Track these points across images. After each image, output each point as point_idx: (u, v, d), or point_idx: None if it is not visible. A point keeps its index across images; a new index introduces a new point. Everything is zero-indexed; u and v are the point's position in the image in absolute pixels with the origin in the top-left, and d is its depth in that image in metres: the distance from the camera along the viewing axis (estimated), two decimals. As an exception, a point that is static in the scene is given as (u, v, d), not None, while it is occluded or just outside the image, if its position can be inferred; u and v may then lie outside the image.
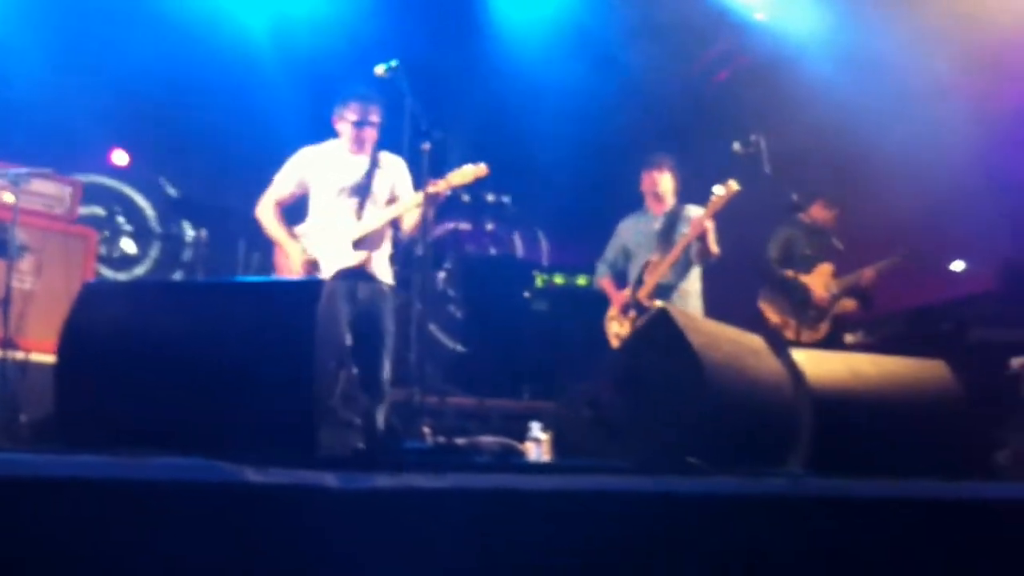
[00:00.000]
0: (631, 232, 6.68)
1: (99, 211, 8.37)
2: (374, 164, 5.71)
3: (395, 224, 5.72)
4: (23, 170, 5.64)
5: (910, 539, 2.65)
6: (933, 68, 7.52)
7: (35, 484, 2.13)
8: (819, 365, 3.91)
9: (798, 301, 6.97)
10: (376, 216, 5.62)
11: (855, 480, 2.77)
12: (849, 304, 7.11)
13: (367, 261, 5.56)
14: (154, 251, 8.75)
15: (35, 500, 2.11)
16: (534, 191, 9.14)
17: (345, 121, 5.70)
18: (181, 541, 2.17)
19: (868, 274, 7.05)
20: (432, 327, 8.29)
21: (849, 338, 7.36)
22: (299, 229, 5.67)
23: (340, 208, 5.63)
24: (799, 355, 3.93)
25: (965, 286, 7.42)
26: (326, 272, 5.53)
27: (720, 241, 6.33)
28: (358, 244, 5.57)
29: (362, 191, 5.66)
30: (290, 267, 5.60)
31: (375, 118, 5.67)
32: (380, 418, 5.42)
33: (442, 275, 8.29)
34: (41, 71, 7.85)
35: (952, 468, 3.54)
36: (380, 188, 5.72)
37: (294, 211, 5.78)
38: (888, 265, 7.08)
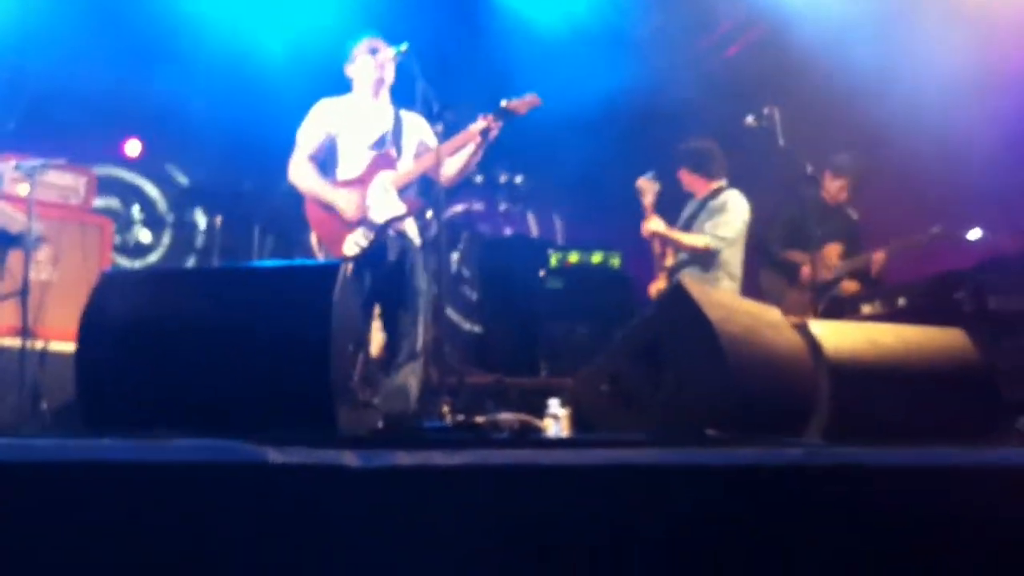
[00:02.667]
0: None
1: (115, 203, 8.39)
2: (398, 118, 5.61)
3: (423, 182, 5.57)
4: (37, 162, 5.66)
5: (930, 507, 2.65)
6: (945, 33, 7.47)
7: (58, 468, 2.15)
8: (837, 335, 3.92)
9: (792, 282, 6.84)
10: (416, 163, 5.49)
11: (873, 449, 2.77)
12: (852, 286, 6.85)
13: (410, 210, 5.45)
14: (167, 239, 8.78)
15: (58, 484, 2.13)
16: (547, 170, 9.13)
17: (356, 59, 5.62)
18: (203, 521, 2.18)
19: (879, 256, 6.80)
20: (447, 309, 8.30)
21: (866, 309, 7.22)
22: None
23: (373, 159, 5.51)
24: (817, 326, 3.94)
25: (982, 254, 7.35)
26: (378, 218, 5.43)
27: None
28: (401, 193, 5.46)
29: (393, 141, 5.54)
30: (336, 218, 5.44)
31: (385, 47, 5.55)
32: (414, 383, 5.32)
33: (455, 256, 8.29)
34: (52, 63, 7.88)
35: (971, 435, 3.54)
36: (408, 141, 5.61)
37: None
38: (901, 246, 6.83)
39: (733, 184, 6.63)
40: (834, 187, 6.95)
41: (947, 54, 7.40)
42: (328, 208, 5.47)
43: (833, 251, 6.86)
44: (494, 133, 5.37)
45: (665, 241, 6.46)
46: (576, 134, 8.77)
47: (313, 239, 5.52)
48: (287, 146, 5.68)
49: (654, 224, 6.40)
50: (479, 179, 8.27)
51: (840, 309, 6.79)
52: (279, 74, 7.70)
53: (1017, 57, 7.31)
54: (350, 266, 5.31)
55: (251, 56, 7.97)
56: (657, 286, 6.57)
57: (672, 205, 6.78)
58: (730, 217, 6.44)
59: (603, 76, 8.42)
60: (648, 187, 6.51)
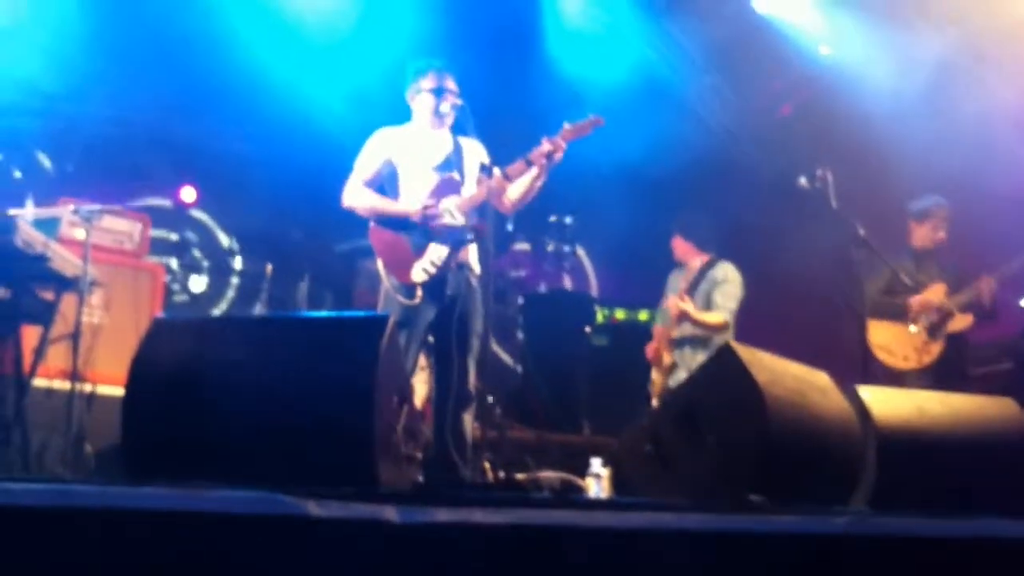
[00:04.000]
0: (671, 285, 6.83)
1: (171, 236, 8.47)
2: (458, 145, 5.56)
3: (482, 211, 5.40)
4: (95, 207, 5.75)
5: (977, 580, 2.60)
6: (1000, 100, 7.44)
7: (99, 515, 2.16)
8: (885, 402, 3.87)
9: (904, 326, 6.55)
10: (479, 187, 5.39)
11: (920, 519, 2.73)
12: (964, 321, 6.49)
13: (478, 232, 5.37)
14: (219, 286, 8.86)
15: (98, 531, 2.14)
16: (590, 223, 9.13)
17: (421, 93, 5.56)
18: (242, 573, 2.19)
19: (987, 283, 6.39)
20: (497, 348, 8.26)
21: (978, 370, 6.93)
22: None
23: (438, 184, 5.43)
24: (865, 392, 3.89)
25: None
26: (443, 213, 5.35)
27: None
28: (467, 218, 5.38)
29: (455, 166, 5.48)
30: (403, 244, 5.35)
31: (452, 86, 5.51)
32: (468, 424, 5.24)
33: (519, 300, 8.26)
34: (110, 109, 8.03)
35: (1020, 507, 3.47)
36: (470, 167, 5.53)
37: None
38: (1011, 271, 6.41)
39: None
40: (923, 231, 6.76)
41: (1002, 110, 7.37)
42: (395, 230, 5.40)
43: (939, 290, 6.51)
44: (558, 156, 5.28)
45: (682, 317, 6.57)
46: (623, 189, 8.79)
47: (380, 265, 5.42)
48: (338, 197, 5.68)
49: (686, 305, 6.54)
50: (526, 246, 8.24)
51: (958, 348, 6.52)
52: (333, 125, 7.77)
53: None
54: (419, 295, 5.27)
55: (305, 107, 8.07)
56: (657, 352, 6.72)
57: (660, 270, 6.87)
58: (734, 289, 6.63)
59: (652, 132, 8.44)
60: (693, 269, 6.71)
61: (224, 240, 9.04)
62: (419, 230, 5.38)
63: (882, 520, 2.75)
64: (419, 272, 5.32)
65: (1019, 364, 6.63)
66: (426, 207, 5.34)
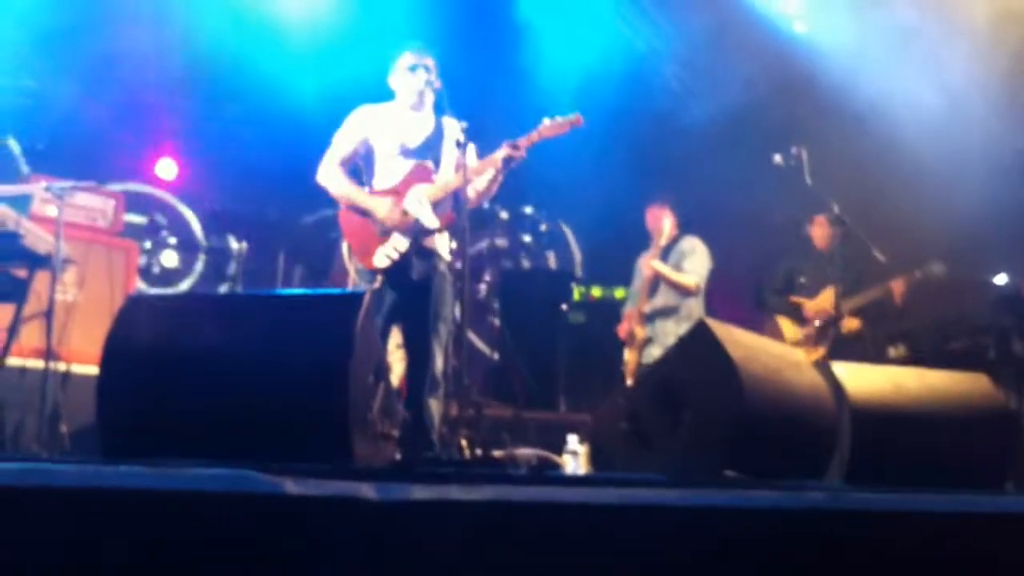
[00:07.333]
0: (639, 269, 6.95)
1: (140, 220, 8.40)
2: (439, 127, 5.52)
3: (456, 197, 5.35)
4: (67, 184, 5.69)
5: (950, 553, 2.62)
6: (975, 76, 7.45)
7: (74, 494, 2.15)
8: (860, 378, 3.90)
9: (796, 323, 6.86)
10: (452, 176, 5.37)
11: (895, 494, 2.75)
12: (851, 324, 6.70)
13: (443, 224, 5.36)
14: (199, 264, 8.80)
15: (74, 510, 2.13)
16: (569, 203, 9.13)
17: (400, 72, 5.54)
18: (219, 551, 2.18)
19: (898, 286, 6.56)
20: (472, 336, 8.25)
21: (893, 352, 7.11)
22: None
23: (410, 170, 5.43)
24: (840, 368, 3.91)
25: (1006, 298, 7.28)
26: (408, 208, 5.33)
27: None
28: (435, 207, 5.35)
29: (432, 152, 5.47)
30: (369, 229, 5.34)
31: (430, 63, 5.49)
32: (434, 408, 5.22)
33: (483, 286, 8.26)
34: (83, 86, 7.95)
35: (994, 481, 3.51)
36: (448, 151, 5.51)
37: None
38: (923, 276, 6.58)
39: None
40: (821, 235, 6.96)
41: (978, 95, 7.39)
42: (364, 216, 5.38)
43: (829, 294, 6.59)
44: (516, 162, 5.28)
45: (654, 283, 6.80)
46: (599, 166, 8.77)
47: (344, 248, 5.45)
48: (313, 173, 5.64)
49: (658, 264, 6.81)
50: (504, 215, 8.25)
51: (849, 350, 6.50)
52: (310, 104, 7.72)
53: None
54: (379, 279, 5.27)
55: (280, 83, 8.00)
56: (629, 330, 6.89)
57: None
58: (702, 258, 6.86)
59: (629, 110, 8.44)
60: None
61: (200, 217, 8.96)
62: None
63: (857, 495, 2.76)
64: (381, 258, 5.32)
65: (997, 339, 6.71)
66: (401, 218, 5.33)
